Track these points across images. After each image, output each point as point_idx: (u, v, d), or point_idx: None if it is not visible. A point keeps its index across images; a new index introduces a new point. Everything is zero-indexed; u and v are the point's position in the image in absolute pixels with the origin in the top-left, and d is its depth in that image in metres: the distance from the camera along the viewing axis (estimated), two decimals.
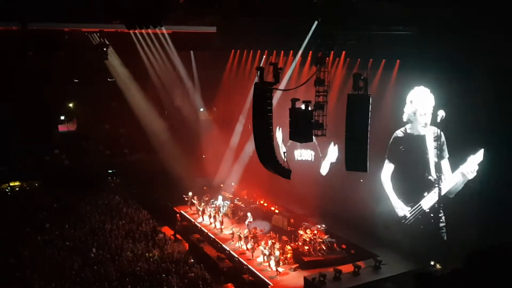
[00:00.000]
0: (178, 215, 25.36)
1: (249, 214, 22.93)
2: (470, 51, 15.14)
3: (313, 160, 24.90)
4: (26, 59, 26.69)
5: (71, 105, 32.28)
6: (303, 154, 25.34)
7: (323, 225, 21.54)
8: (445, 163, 18.23)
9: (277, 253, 18.95)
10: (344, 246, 20.54)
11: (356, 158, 14.85)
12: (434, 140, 18.55)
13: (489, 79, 15.34)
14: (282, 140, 26.40)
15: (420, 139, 19.09)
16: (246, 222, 22.51)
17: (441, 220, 18.50)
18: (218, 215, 24.04)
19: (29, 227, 22.11)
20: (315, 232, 20.66)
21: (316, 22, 18.62)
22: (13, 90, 27.96)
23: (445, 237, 18.32)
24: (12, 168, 28.24)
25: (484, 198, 16.37)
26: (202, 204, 25.24)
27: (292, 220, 22.83)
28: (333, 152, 23.26)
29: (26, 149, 28.91)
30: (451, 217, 18.05)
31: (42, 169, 28.72)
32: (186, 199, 25.93)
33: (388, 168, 20.76)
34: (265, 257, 19.49)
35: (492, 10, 13.86)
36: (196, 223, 24.49)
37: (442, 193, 18.22)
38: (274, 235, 20.77)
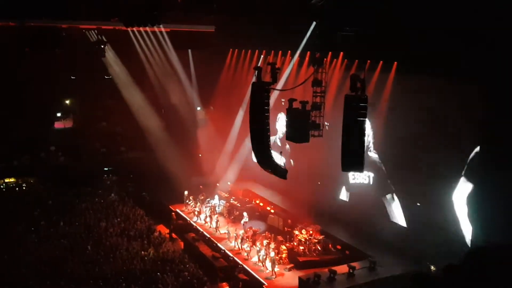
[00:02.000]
0: (173, 213, 25.33)
1: (245, 213, 22.93)
2: None
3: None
4: (23, 55, 26.61)
5: (67, 102, 32.17)
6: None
7: (318, 226, 21.55)
8: None
9: (272, 253, 18.95)
10: (339, 247, 20.60)
11: (352, 159, 14.85)
12: None
13: None
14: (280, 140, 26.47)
15: None
16: (242, 222, 22.51)
17: None
18: (214, 214, 24.03)
19: (24, 224, 22.04)
20: (311, 232, 20.68)
21: (314, 23, 18.66)
22: (10, 86, 27.85)
23: None
24: (8, 164, 28.11)
25: None
26: (198, 203, 25.22)
27: (289, 221, 22.77)
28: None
29: (21, 145, 28.80)
30: None
31: (38, 166, 28.60)
32: (185, 198, 25.91)
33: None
34: (260, 257, 19.49)
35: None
36: (191, 222, 24.47)
37: None
38: (269, 235, 20.80)
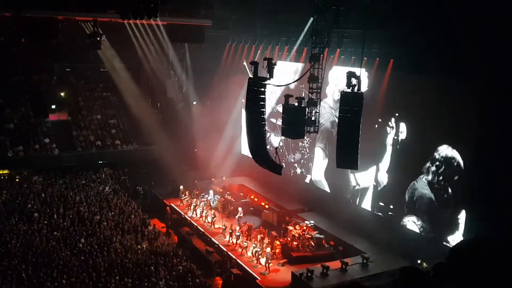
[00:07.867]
0: (168, 208, 25.31)
1: (239, 209, 22.97)
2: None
3: None
4: (18, 46, 26.44)
5: (62, 94, 31.97)
6: None
7: (312, 221, 21.62)
8: None
9: (268, 249, 18.99)
10: (332, 243, 20.69)
11: (347, 156, 14.92)
12: None
13: None
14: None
15: None
16: (236, 217, 22.54)
17: None
18: (209, 209, 24.04)
19: (17, 216, 21.95)
20: (304, 228, 20.74)
21: (311, 19, 18.65)
22: (5, 77, 27.67)
23: None
24: (1, 156, 27.91)
25: None
26: (193, 198, 25.20)
27: (287, 218, 22.71)
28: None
29: (15, 137, 28.62)
30: None
31: (32, 158, 28.44)
32: (180, 192, 25.87)
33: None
34: (254, 252, 19.53)
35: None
36: (186, 216, 24.47)
37: None
38: (263, 230, 20.84)
